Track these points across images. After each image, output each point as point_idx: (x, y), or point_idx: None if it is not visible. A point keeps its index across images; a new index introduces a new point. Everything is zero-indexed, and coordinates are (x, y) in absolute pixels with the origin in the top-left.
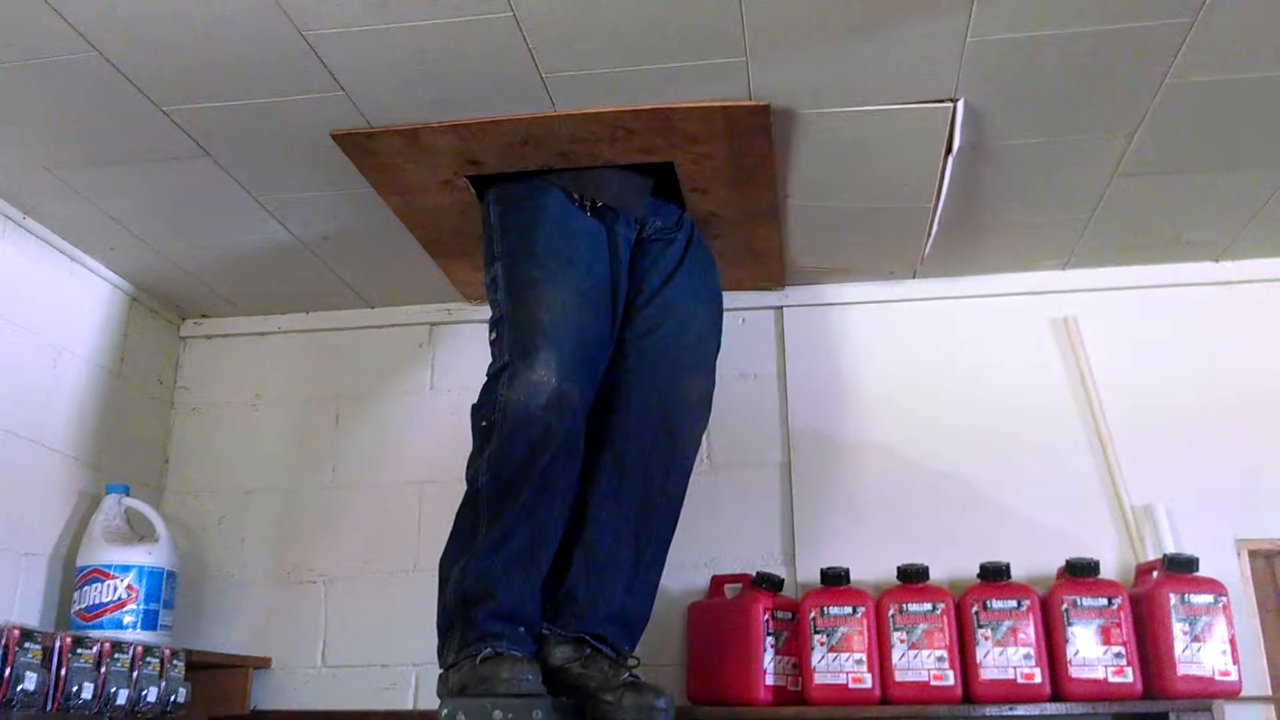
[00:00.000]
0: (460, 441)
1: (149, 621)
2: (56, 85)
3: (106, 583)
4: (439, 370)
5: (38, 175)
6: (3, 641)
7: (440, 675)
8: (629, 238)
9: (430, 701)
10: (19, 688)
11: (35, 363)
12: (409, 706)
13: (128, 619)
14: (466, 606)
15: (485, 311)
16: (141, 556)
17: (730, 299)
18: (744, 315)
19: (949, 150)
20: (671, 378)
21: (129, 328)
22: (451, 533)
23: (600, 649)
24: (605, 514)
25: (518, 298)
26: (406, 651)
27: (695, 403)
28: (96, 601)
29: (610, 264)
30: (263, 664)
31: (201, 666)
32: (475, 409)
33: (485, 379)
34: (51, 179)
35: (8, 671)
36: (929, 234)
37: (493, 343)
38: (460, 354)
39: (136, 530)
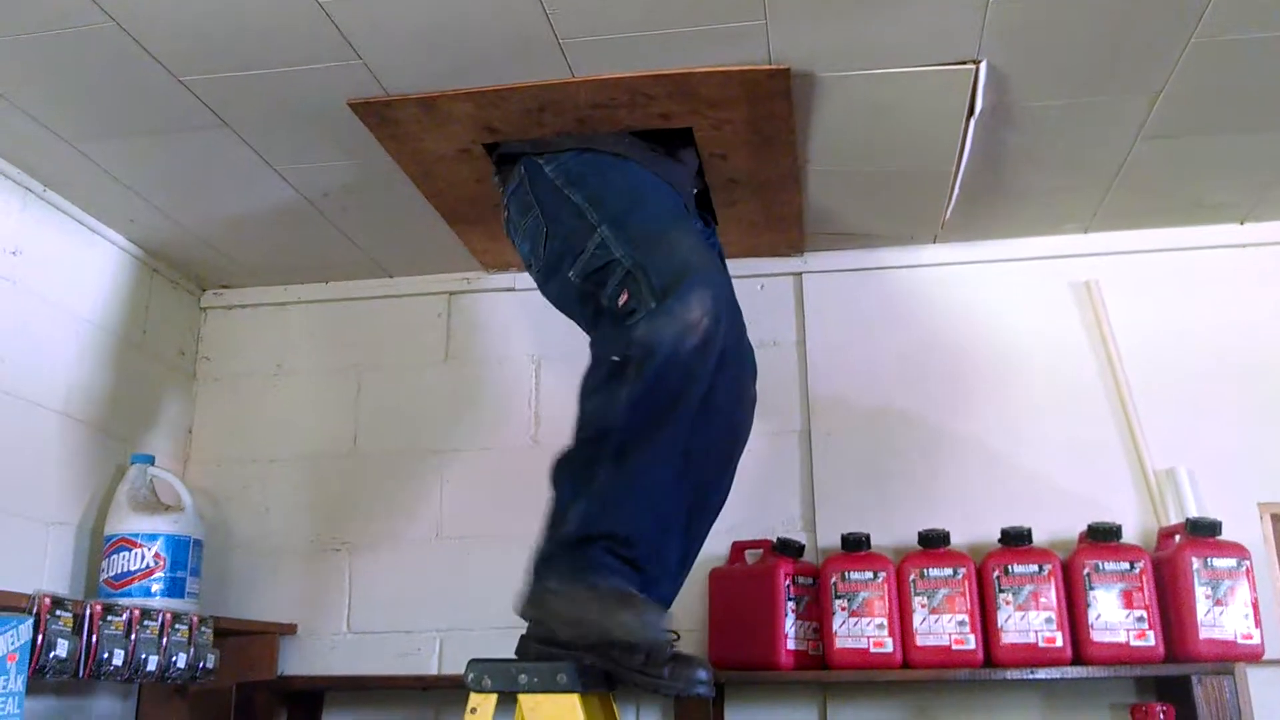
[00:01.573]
0: (480, 412)
1: (176, 589)
2: (74, 56)
3: (134, 551)
4: (458, 339)
5: (57, 147)
6: (35, 609)
7: (533, 595)
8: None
9: (453, 666)
10: (51, 654)
11: (58, 334)
12: (433, 671)
13: (155, 587)
14: (585, 544)
15: (504, 280)
16: (168, 525)
17: (750, 265)
18: (763, 282)
19: (970, 113)
20: (740, 381)
21: (150, 299)
22: (563, 467)
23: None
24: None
25: (648, 245)
26: (430, 618)
27: (752, 407)
28: (124, 570)
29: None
30: (289, 630)
31: (229, 633)
32: (600, 342)
33: (611, 329)
34: (70, 151)
35: (40, 639)
36: (950, 198)
37: (623, 305)
38: (479, 322)
39: (162, 499)
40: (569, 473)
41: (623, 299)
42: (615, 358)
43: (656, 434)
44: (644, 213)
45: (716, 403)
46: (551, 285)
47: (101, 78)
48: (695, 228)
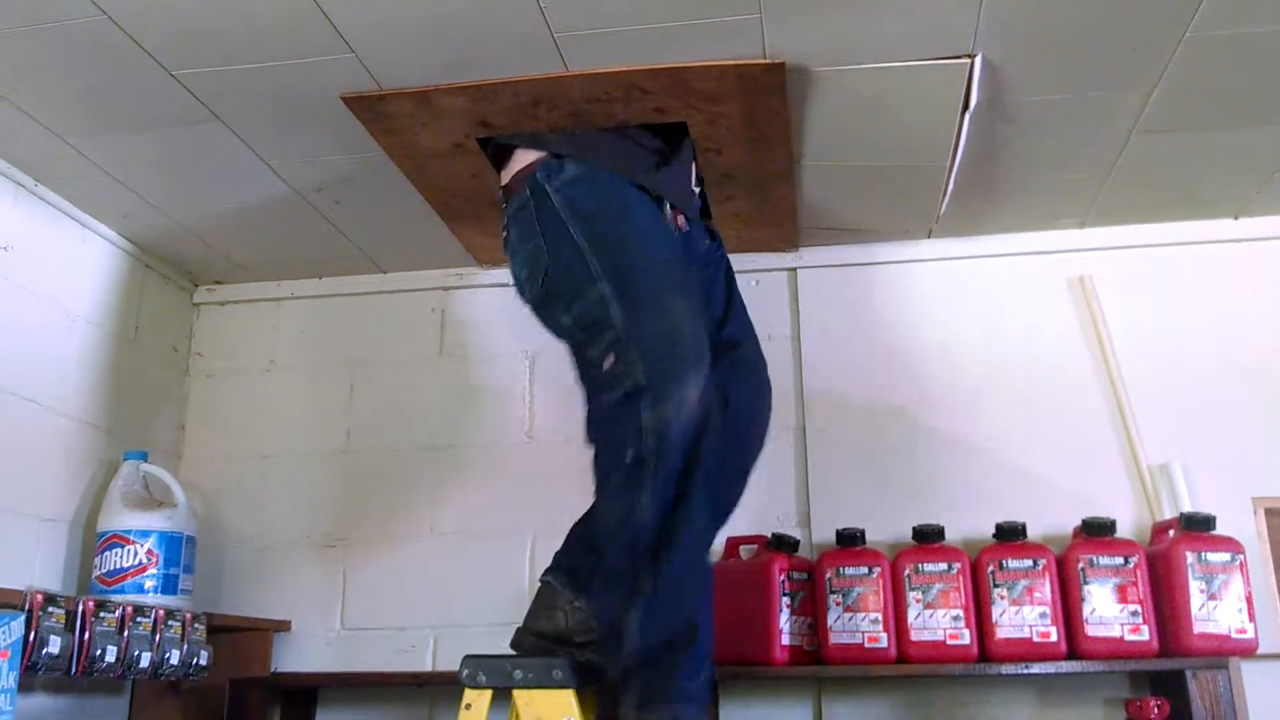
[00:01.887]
0: (474, 408)
1: (169, 586)
2: (65, 50)
3: (127, 548)
4: (452, 334)
5: (48, 142)
6: (27, 606)
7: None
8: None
9: (449, 663)
10: (44, 651)
11: (51, 330)
12: (428, 668)
13: (148, 583)
14: (654, 659)
15: (498, 276)
16: (161, 522)
17: (744, 260)
18: (758, 277)
19: (965, 107)
20: (756, 395)
21: (143, 295)
22: (599, 579)
23: None
24: None
25: (645, 314)
26: (424, 614)
27: (767, 422)
28: (117, 566)
29: (701, 275)
30: (283, 627)
31: (222, 630)
32: (607, 443)
33: (601, 405)
34: (62, 145)
35: (33, 635)
36: (945, 193)
37: (611, 368)
38: (473, 318)
39: (155, 496)
40: (607, 585)
41: (609, 362)
42: (630, 455)
43: (685, 515)
44: (645, 271)
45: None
46: (541, 312)
47: (93, 72)
48: (691, 271)
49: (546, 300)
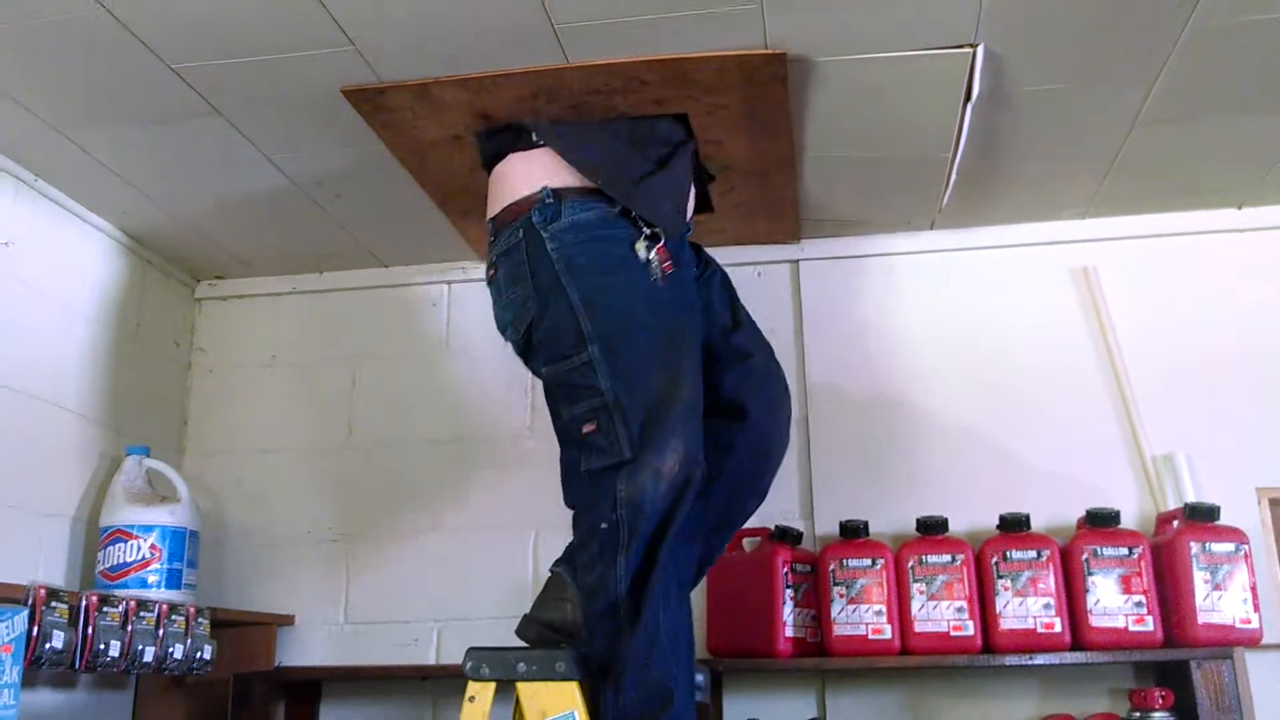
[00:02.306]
0: (476, 402)
1: (173, 580)
2: (64, 44)
3: (130, 543)
4: (454, 329)
5: (48, 136)
6: (30, 601)
7: None
8: (693, 278)
9: (452, 656)
10: (47, 645)
11: (52, 326)
12: (431, 661)
13: (152, 578)
14: (641, 716)
15: None
16: (164, 516)
17: (746, 253)
18: (760, 269)
19: (968, 98)
20: (773, 403)
21: (144, 290)
22: (589, 635)
23: None
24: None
25: (633, 383)
26: (428, 608)
27: (786, 432)
28: (121, 561)
29: (692, 314)
30: (286, 621)
31: (226, 624)
32: (584, 504)
33: (575, 463)
34: (62, 140)
35: (36, 630)
36: (947, 184)
37: (590, 434)
38: (475, 313)
39: (158, 491)
40: (597, 661)
41: (589, 428)
42: (604, 525)
43: (655, 586)
44: (637, 337)
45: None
46: (522, 356)
47: (92, 65)
48: (686, 333)
49: (528, 349)
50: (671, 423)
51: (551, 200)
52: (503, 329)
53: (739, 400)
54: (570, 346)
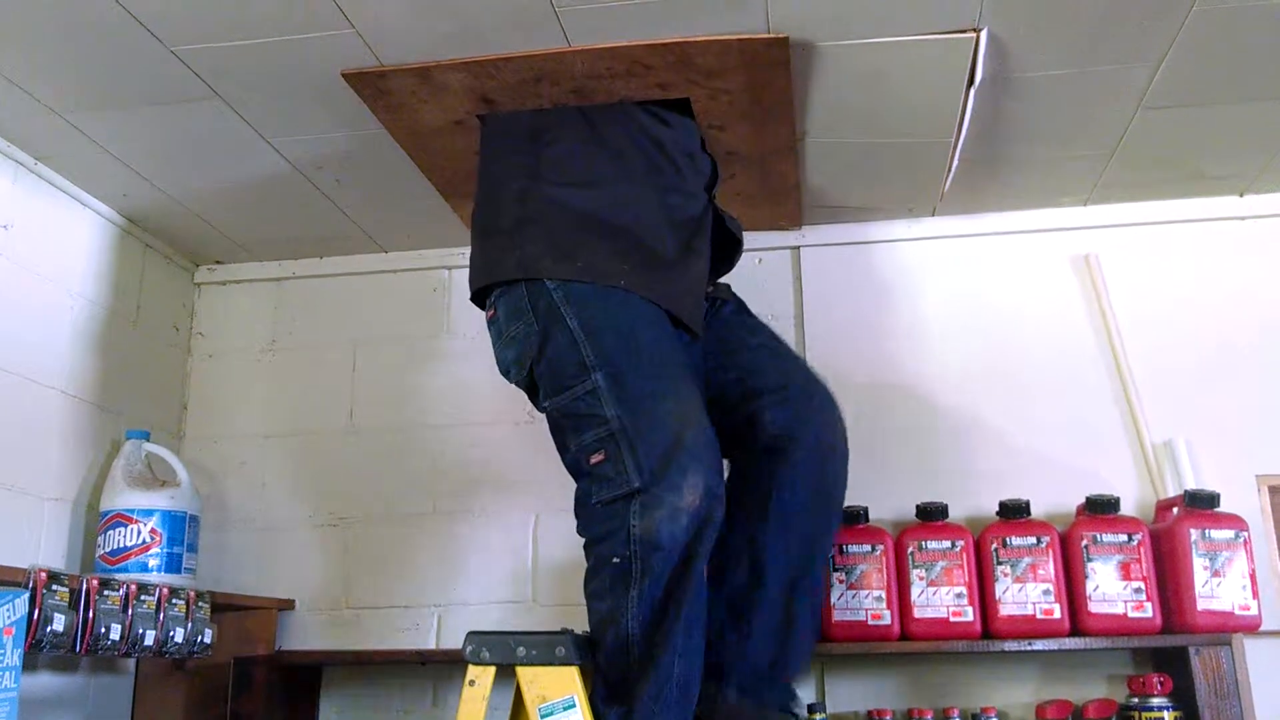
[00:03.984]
0: (477, 386)
1: (173, 564)
2: (64, 26)
3: (130, 527)
4: (455, 315)
5: (48, 119)
6: (31, 584)
7: None
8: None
9: (452, 641)
10: (48, 629)
11: (51, 309)
12: (431, 646)
13: (152, 562)
14: None
15: None
16: (164, 501)
17: (747, 239)
18: (761, 256)
19: (971, 83)
20: (823, 427)
21: (144, 274)
22: (596, 678)
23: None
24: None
25: (641, 411)
26: (428, 592)
27: (844, 451)
28: (121, 545)
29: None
30: (287, 606)
31: (227, 608)
32: (595, 535)
33: (585, 494)
34: (61, 123)
35: (36, 613)
36: (949, 170)
37: (598, 464)
38: None
39: (158, 475)
40: (606, 687)
41: (597, 458)
42: (616, 560)
43: (675, 619)
44: (641, 366)
45: (788, 501)
46: (528, 393)
47: (92, 48)
48: (687, 370)
49: (533, 387)
50: (689, 454)
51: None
52: (506, 370)
53: (789, 433)
54: (573, 376)
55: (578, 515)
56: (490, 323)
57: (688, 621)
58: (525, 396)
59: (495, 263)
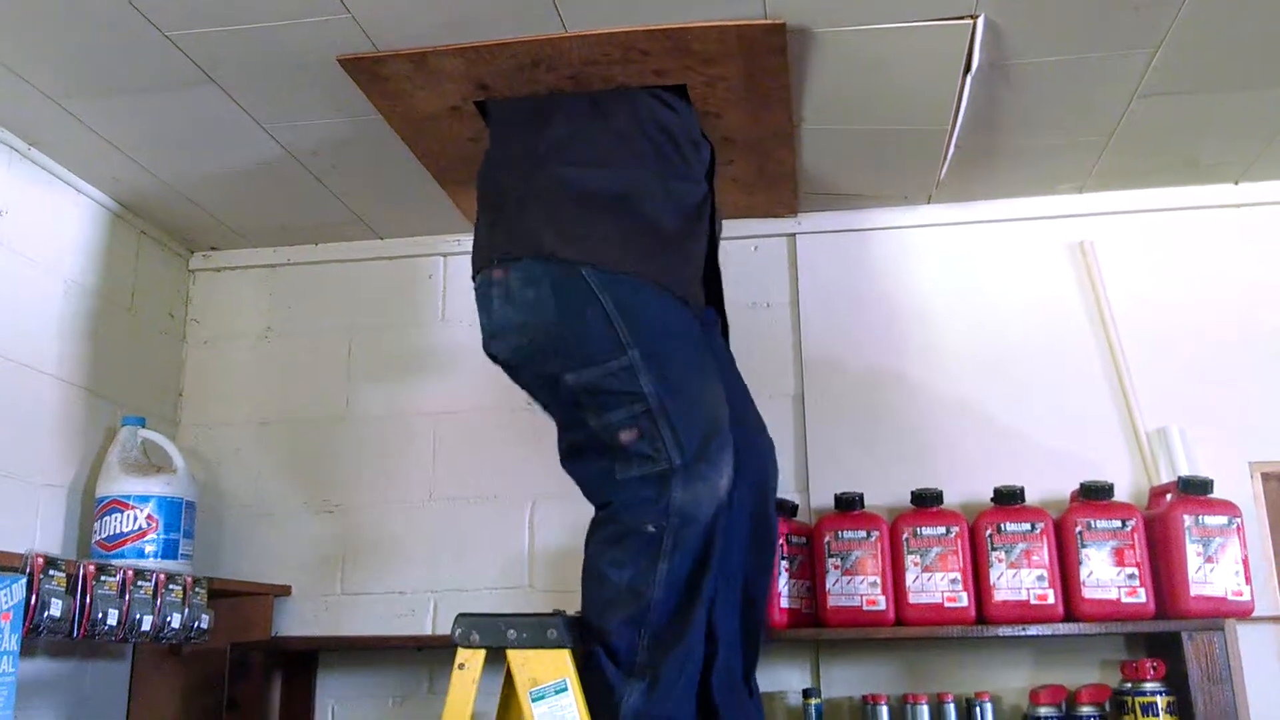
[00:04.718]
0: (473, 374)
1: (169, 551)
2: (58, 11)
3: (126, 513)
4: (450, 301)
5: (42, 105)
6: (28, 569)
7: None
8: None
9: (447, 627)
10: (45, 614)
11: (46, 296)
12: (427, 632)
13: (148, 548)
14: None
15: None
16: (160, 487)
17: (743, 226)
18: (757, 243)
19: (967, 69)
20: (763, 471)
21: (138, 261)
22: (603, 644)
23: None
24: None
25: (679, 391)
26: (424, 579)
27: (775, 494)
28: (117, 531)
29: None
30: (283, 592)
31: (223, 594)
32: (626, 508)
33: (613, 478)
34: (56, 108)
35: (34, 599)
36: (945, 157)
37: (630, 441)
38: (470, 284)
39: (154, 462)
40: (616, 661)
41: (628, 435)
42: (650, 529)
43: (693, 602)
44: (677, 351)
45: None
46: (526, 367)
47: (87, 33)
48: (710, 354)
49: (543, 356)
50: (726, 435)
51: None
52: (500, 333)
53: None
54: (606, 351)
55: (592, 486)
56: (493, 283)
57: (707, 600)
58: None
59: (520, 237)
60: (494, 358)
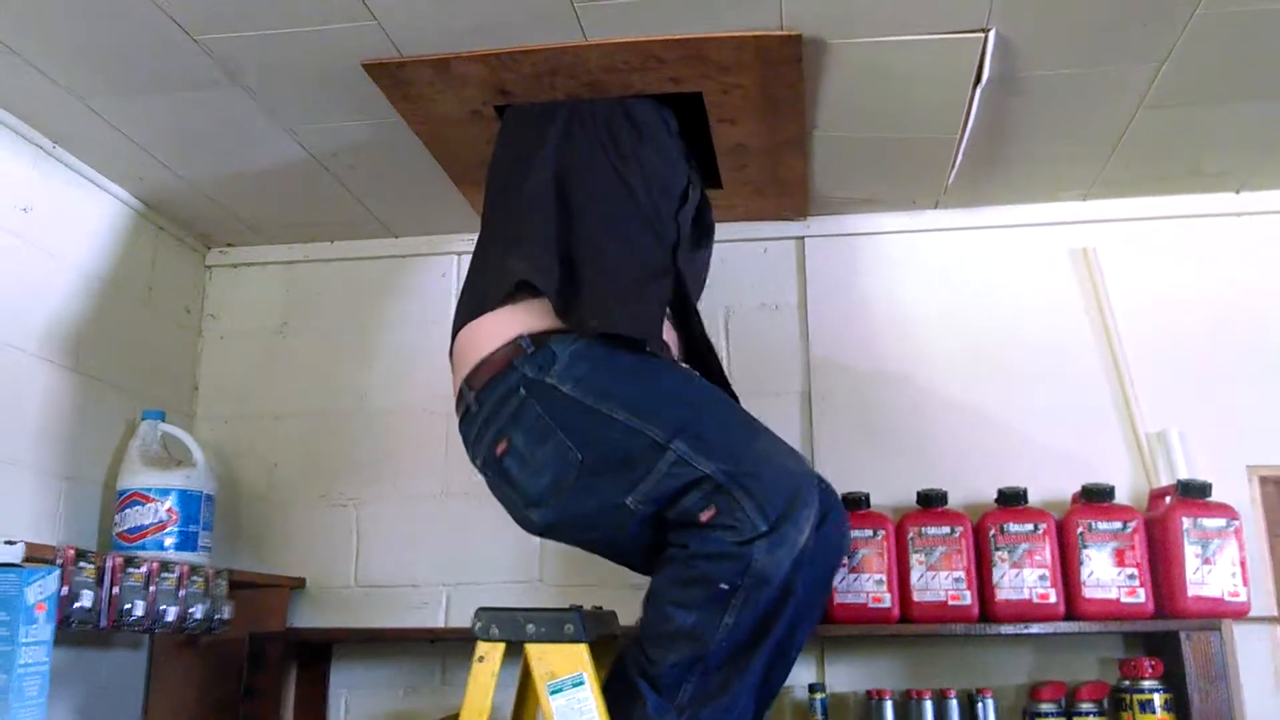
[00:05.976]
0: None
1: (189, 543)
2: (87, 12)
3: (147, 505)
4: None
5: (68, 103)
6: (60, 561)
7: None
8: None
9: (461, 619)
10: (76, 605)
11: (66, 290)
12: (441, 624)
13: (168, 540)
14: None
15: None
16: (180, 480)
17: (752, 229)
18: (766, 245)
19: (978, 81)
20: (839, 548)
21: (156, 256)
22: (650, 673)
23: None
24: None
25: (738, 458)
26: (437, 572)
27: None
28: (138, 524)
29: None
30: (298, 584)
31: (241, 586)
32: (703, 557)
33: (712, 543)
34: (81, 107)
35: (65, 590)
36: (953, 165)
37: (712, 518)
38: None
39: (173, 455)
40: (656, 689)
41: (707, 514)
42: (724, 586)
43: (751, 656)
44: (705, 413)
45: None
46: (574, 509)
47: (114, 34)
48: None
49: (586, 492)
50: (803, 491)
51: (532, 348)
52: (537, 502)
53: None
54: (652, 460)
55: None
56: (501, 461)
57: (766, 654)
58: None
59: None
60: (545, 531)
